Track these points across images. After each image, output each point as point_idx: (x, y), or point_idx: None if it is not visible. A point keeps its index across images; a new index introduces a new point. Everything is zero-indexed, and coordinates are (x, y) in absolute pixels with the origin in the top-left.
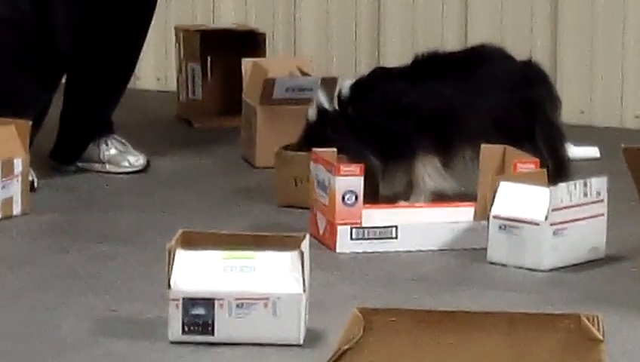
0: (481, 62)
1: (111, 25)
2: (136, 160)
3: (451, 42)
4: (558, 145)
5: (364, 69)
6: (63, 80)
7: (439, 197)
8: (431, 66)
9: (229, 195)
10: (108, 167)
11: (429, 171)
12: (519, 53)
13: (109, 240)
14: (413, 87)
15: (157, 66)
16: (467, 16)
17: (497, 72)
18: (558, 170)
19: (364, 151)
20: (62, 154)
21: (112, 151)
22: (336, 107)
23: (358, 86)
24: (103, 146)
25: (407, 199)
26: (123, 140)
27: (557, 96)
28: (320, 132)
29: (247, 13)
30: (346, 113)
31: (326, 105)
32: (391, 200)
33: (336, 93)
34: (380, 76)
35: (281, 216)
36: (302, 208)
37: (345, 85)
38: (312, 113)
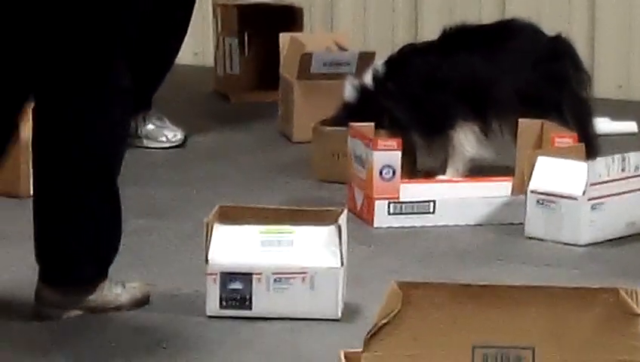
0: (509, 36)
1: (156, 5)
2: (173, 135)
3: (489, 16)
4: (585, 120)
5: (402, 44)
6: None
7: (475, 171)
8: (460, 39)
9: (267, 170)
10: (145, 142)
11: (469, 138)
12: (556, 28)
13: (147, 215)
14: (445, 59)
15: (194, 41)
16: None
17: (525, 45)
18: (585, 145)
19: (407, 126)
20: None
21: (150, 127)
22: (372, 85)
23: (392, 63)
24: (141, 121)
25: (444, 172)
26: (161, 115)
27: (585, 70)
28: (361, 108)
29: None
30: (386, 89)
31: (364, 83)
32: (428, 175)
33: (370, 73)
34: (411, 52)
35: (319, 191)
36: (339, 183)
37: (378, 64)
38: (348, 92)
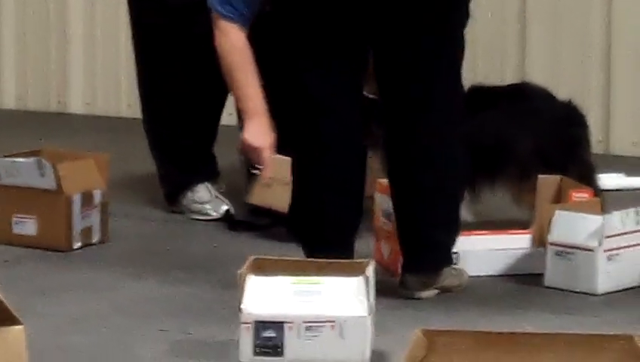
0: (525, 98)
1: None
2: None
3: (511, 76)
4: (590, 179)
5: None
6: None
7: (495, 225)
8: (480, 99)
9: None
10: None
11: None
12: (573, 87)
13: (184, 267)
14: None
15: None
16: (525, 53)
17: (541, 107)
18: None
19: None
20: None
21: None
22: None
23: None
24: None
25: None
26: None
27: (590, 136)
28: None
29: None
30: None
31: None
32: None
33: None
34: None
35: None
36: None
37: None
38: None
